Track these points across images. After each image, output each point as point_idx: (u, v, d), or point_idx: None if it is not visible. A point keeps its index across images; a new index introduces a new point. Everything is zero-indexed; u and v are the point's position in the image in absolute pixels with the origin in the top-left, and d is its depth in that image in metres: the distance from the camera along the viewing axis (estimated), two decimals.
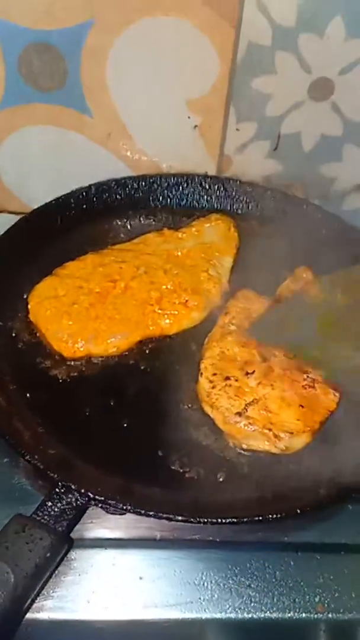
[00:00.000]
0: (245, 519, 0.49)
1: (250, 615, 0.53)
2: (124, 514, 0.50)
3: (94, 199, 0.80)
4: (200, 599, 0.53)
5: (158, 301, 0.67)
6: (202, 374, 0.60)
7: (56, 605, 0.52)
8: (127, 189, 0.82)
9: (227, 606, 0.53)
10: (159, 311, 0.67)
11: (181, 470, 0.55)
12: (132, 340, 0.65)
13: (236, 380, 0.59)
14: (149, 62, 0.72)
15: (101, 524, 0.56)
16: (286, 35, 0.71)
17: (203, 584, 0.54)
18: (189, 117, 0.77)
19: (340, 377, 0.55)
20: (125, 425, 0.58)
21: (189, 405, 0.61)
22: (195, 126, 0.78)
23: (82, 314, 0.65)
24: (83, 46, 0.70)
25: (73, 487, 0.49)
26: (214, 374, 0.59)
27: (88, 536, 0.56)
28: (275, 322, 0.59)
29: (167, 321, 0.66)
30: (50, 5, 0.67)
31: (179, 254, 0.74)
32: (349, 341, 0.55)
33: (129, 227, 0.80)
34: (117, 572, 0.54)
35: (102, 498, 0.49)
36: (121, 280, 0.69)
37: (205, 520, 0.49)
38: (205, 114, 0.77)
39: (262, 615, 0.53)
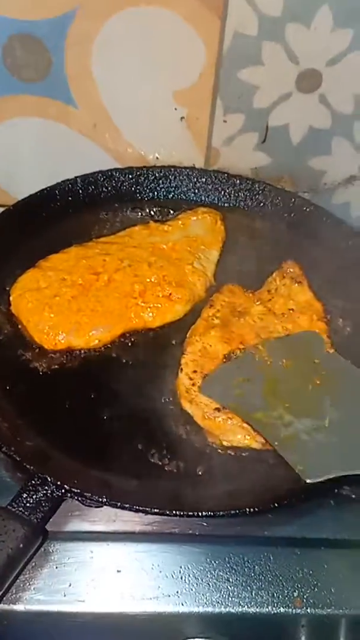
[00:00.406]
0: (222, 513, 0.49)
1: (228, 609, 0.53)
2: (101, 506, 0.50)
3: (80, 191, 0.79)
4: (178, 592, 0.53)
5: (141, 294, 0.67)
6: (182, 370, 0.60)
7: (33, 597, 0.52)
8: (113, 181, 0.81)
9: (206, 600, 0.53)
10: (142, 304, 0.66)
11: (160, 464, 0.55)
12: (115, 333, 0.65)
13: None
14: (135, 53, 0.72)
15: (80, 517, 0.56)
16: (273, 25, 0.70)
17: (181, 578, 0.54)
18: (175, 109, 0.76)
19: (276, 443, 0.53)
20: (105, 417, 0.58)
21: (170, 399, 0.60)
22: (182, 118, 0.78)
23: (64, 307, 0.65)
24: (67, 36, 0.70)
25: (49, 479, 0.49)
26: (194, 371, 0.59)
27: (66, 529, 0.55)
28: (225, 381, 0.58)
29: (150, 314, 0.66)
30: None
31: (165, 247, 0.73)
32: (289, 405, 0.55)
33: (115, 219, 0.79)
34: (94, 565, 0.54)
35: (78, 490, 0.49)
36: (104, 273, 0.68)
37: (182, 513, 0.48)
38: (192, 105, 0.76)
39: (241, 610, 0.53)
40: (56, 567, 0.53)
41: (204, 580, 0.54)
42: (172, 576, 0.54)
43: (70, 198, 0.78)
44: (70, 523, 0.56)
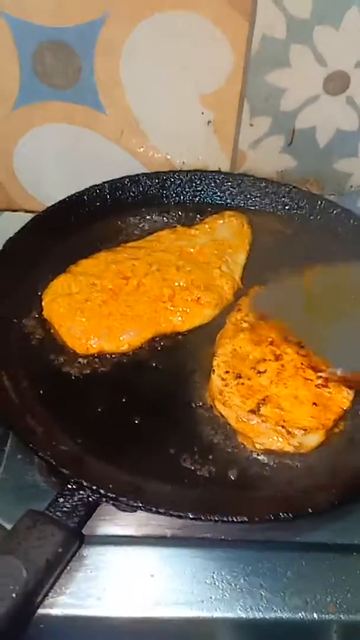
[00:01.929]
0: (257, 519, 0.49)
1: (261, 615, 0.53)
2: (135, 511, 0.50)
3: (107, 196, 0.80)
4: (211, 597, 0.52)
5: (170, 298, 0.67)
6: (214, 371, 0.60)
7: (68, 601, 0.52)
8: (140, 186, 0.82)
9: (238, 606, 0.53)
10: (171, 308, 0.66)
11: (193, 468, 0.55)
12: (145, 337, 0.65)
13: (249, 379, 0.58)
14: (163, 58, 0.72)
15: (113, 521, 0.56)
16: (301, 27, 0.70)
17: (214, 583, 0.54)
18: (202, 113, 0.77)
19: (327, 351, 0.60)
20: (137, 422, 0.58)
21: (201, 403, 0.60)
22: (209, 122, 0.78)
23: (95, 311, 0.65)
24: (96, 42, 0.70)
25: (85, 483, 0.49)
26: (226, 372, 0.59)
27: (100, 533, 0.56)
28: (273, 299, 0.65)
29: (179, 318, 0.66)
30: (63, 2, 0.68)
31: (192, 250, 0.73)
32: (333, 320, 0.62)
33: (142, 224, 0.80)
34: (128, 570, 0.54)
35: (114, 495, 0.49)
36: (134, 277, 0.69)
37: (217, 519, 0.48)
38: (218, 109, 0.77)
39: (274, 615, 0.52)
40: (90, 572, 0.54)
41: (236, 585, 0.54)
42: (205, 581, 0.54)
43: (98, 203, 0.79)
44: (103, 527, 0.56)
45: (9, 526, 0.55)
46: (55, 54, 0.71)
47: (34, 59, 0.72)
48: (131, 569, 0.54)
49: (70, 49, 0.71)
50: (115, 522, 0.57)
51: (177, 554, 0.55)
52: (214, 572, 0.54)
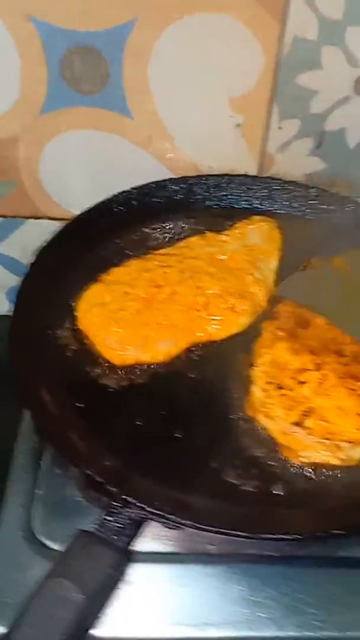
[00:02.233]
0: (308, 535, 0.48)
1: (310, 634, 0.52)
2: (182, 529, 0.50)
3: (135, 202, 0.79)
4: (259, 616, 0.52)
5: (205, 306, 0.66)
6: (254, 382, 0.59)
7: (112, 622, 0.51)
8: (166, 191, 0.80)
9: (287, 624, 0.52)
10: (207, 317, 0.65)
11: (237, 483, 0.54)
12: (181, 347, 0.64)
13: (290, 390, 0.57)
14: (191, 61, 0.70)
15: (154, 538, 0.56)
16: (333, 28, 0.68)
17: (261, 601, 0.53)
18: (231, 116, 0.75)
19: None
20: (177, 435, 0.57)
21: (240, 415, 0.59)
22: (237, 125, 0.76)
23: (130, 321, 0.64)
24: (125, 47, 0.69)
25: (133, 501, 0.48)
26: (267, 383, 0.58)
27: (142, 550, 0.55)
28: (304, 285, 0.64)
29: (215, 327, 0.65)
30: (91, 5, 0.66)
31: (223, 257, 0.72)
32: None
33: (169, 230, 0.78)
34: (172, 588, 0.53)
35: (162, 513, 0.48)
36: (167, 286, 0.68)
37: (268, 537, 0.47)
38: (247, 112, 0.75)
39: (324, 634, 0.52)
40: (136, 591, 0.53)
41: (284, 603, 0.53)
42: (252, 599, 0.53)
43: (125, 210, 0.77)
44: (144, 543, 0.55)
45: (51, 544, 0.55)
46: (83, 58, 0.70)
47: (62, 64, 0.70)
48: (175, 587, 0.54)
49: (98, 53, 0.69)
50: (157, 538, 0.56)
51: (222, 572, 0.54)
52: (260, 590, 0.54)
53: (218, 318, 0.65)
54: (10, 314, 1.02)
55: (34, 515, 0.57)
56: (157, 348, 0.63)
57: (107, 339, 0.63)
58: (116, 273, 0.69)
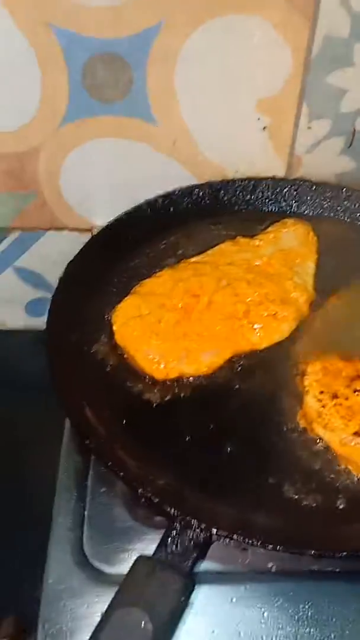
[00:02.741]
0: None
1: None
2: (247, 549, 0.48)
3: (161, 210, 0.77)
4: (331, 636, 0.50)
5: (246, 314, 0.64)
6: (308, 392, 0.56)
7: None
8: (192, 197, 0.78)
9: None
10: (248, 325, 0.63)
11: (296, 498, 0.52)
12: (223, 357, 0.62)
13: (346, 399, 0.55)
14: (219, 64, 0.69)
15: (212, 557, 0.53)
16: None
17: (331, 619, 0.50)
18: (258, 119, 0.74)
19: None
20: (229, 450, 0.55)
21: (292, 426, 0.57)
22: (265, 127, 0.75)
23: (170, 333, 0.62)
24: (149, 52, 0.67)
25: (194, 522, 0.46)
26: (321, 392, 0.56)
27: (201, 569, 0.52)
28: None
29: (258, 334, 0.63)
30: (115, 11, 0.64)
31: (259, 262, 0.70)
32: None
33: (197, 237, 0.76)
34: (236, 609, 0.51)
35: (226, 533, 0.46)
36: (204, 295, 0.65)
37: (339, 554, 0.45)
38: (276, 113, 0.73)
39: None
40: (198, 613, 0.51)
41: (356, 621, 0.51)
42: (322, 618, 0.50)
43: (152, 218, 0.75)
44: (204, 564, 0.52)
45: (104, 568, 0.53)
46: (106, 66, 0.68)
47: (84, 72, 0.69)
48: (239, 608, 0.51)
49: (122, 60, 0.68)
50: (216, 558, 0.54)
51: (286, 590, 0.52)
52: (328, 607, 0.51)
53: (260, 326, 0.63)
54: (31, 327, 1.03)
55: (84, 537, 0.54)
56: (200, 359, 0.61)
57: (147, 352, 0.60)
58: (150, 284, 0.67)
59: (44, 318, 1.01)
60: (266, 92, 0.72)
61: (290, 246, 0.72)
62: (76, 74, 0.70)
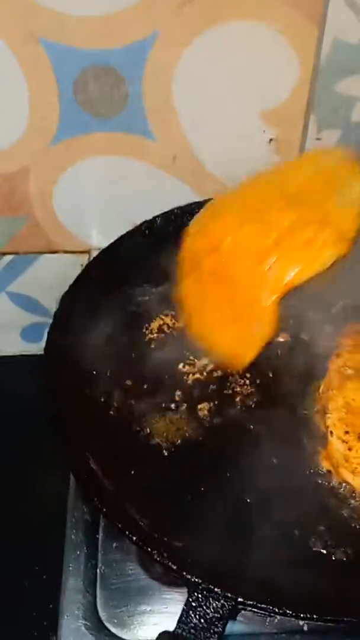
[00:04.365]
0: None
1: None
2: (274, 617, 0.44)
3: (160, 230, 0.72)
4: None
5: (277, 244, 0.51)
6: (332, 432, 0.52)
7: None
8: (193, 215, 0.75)
9: None
10: (280, 259, 0.51)
11: (325, 552, 0.48)
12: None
13: None
14: (220, 74, 0.64)
15: (238, 617, 0.50)
16: None
17: None
18: (264, 131, 0.69)
19: None
20: (248, 501, 0.50)
21: (313, 470, 0.53)
22: (271, 140, 0.70)
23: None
24: (145, 64, 0.63)
25: (219, 592, 0.42)
26: (346, 432, 0.51)
27: (227, 631, 0.48)
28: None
29: (294, 269, 0.50)
30: (108, 22, 0.59)
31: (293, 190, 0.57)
32: None
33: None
34: None
35: (253, 602, 0.42)
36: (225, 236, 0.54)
37: None
38: (281, 125, 0.68)
39: None
40: None
41: None
42: None
43: (151, 239, 0.71)
44: (232, 625, 0.49)
45: (123, 634, 0.49)
46: (99, 79, 0.63)
47: (75, 86, 0.63)
48: None
49: (116, 73, 0.62)
50: (240, 617, 0.50)
51: None
52: None
53: (295, 255, 0.51)
54: (26, 353, 0.98)
55: (97, 600, 0.50)
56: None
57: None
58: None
59: (41, 344, 0.97)
60: (272, 103, 0.67)
61: (330, 169, 0.59)
62: (67, 89, 0.64)
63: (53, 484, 0.65)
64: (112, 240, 0.69)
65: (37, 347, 0.94)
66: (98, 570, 0.51)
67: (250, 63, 0.63)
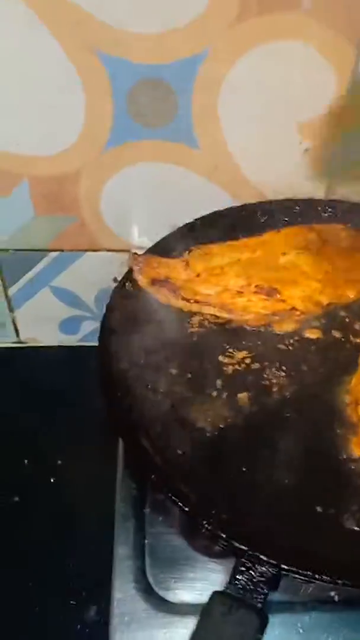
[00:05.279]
0: None
1: None
2: (314, 583, 0.48)
3: (200, 232, 0.78)
4: None
5: None
6: None
7: None
8: (230, 219, 0.79)
9: None
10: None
11: (358, 529, 0.52)
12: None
13: None
14: (262, 89, 0.69)
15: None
16: None
17: None
18: (300, 143, 0.74)
19: None
20: (286, 482, 0.55)
21: (346, 456, 0.57)
22: (306, 150, 0.75)
23: None
24: (195, 79, 0.68)
25: (265, 559, 0.47)
26: None
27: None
28: None
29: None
30: (162, 38, 0.65)
31: None
32: None
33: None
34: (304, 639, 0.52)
35: (296, 569, 0.46)
36: None
37: None
38: (317, 137, 0.74)
39: None
40: None
41: None
42: None
43: (191, 241, 0.77)
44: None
45: (171, 597, 0.53)
46: (151, 92, 0.68)
47: (129, 97, 0.69)
48: (306, 638, 0.52)
49: (167, 86, 0.68)
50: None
51: (349, 620, 0.53)
52: None
53: None
54: (64, 345, 1.03)
55: (146, 567, 0.55)
56: None
57: None
58: None
59: (78, 336, 1.02)
60: (308, 116, 0.72)
61: None
62: (121, 99, 0.69)
63: (97, 468, 0.70)
64: (152, 241, 0.75)
65: (74, 339, 0.99)
66: (146, 541, 0.56)
67: (290, 79, 0.68)
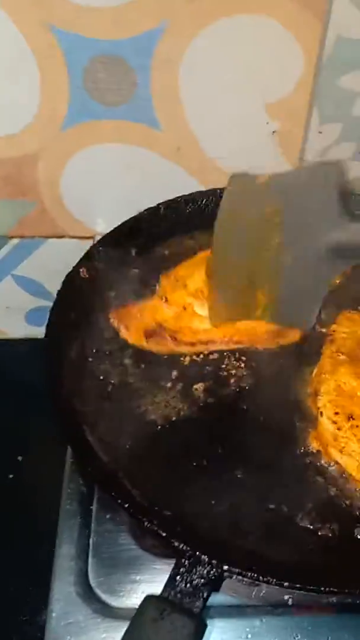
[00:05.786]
0: None
1: None
2: (259, 585, 0.45)
3: (164, 218, 0.74)
4: None
5: None
6: (322, 413, 0.53)
7: None
8: (196, 204, 0.76)
9: None
10: None
11: (312, 528, 0.49)
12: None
13: None
14: (225, 66, 0.65)
15: (225, 589, 0.49)
16: None
17: None
18: (267, 123, 0.71)
19: None
20: (239, 476, 0.52)
21: (303, 450, 0.54)
22: (274, 132, 0.72)
23: None
24: (153, 54, 0.64)
25: (204, 558, 0.44)
26: (336, 413, 0.53)
27: (214, 603, 0.49)
28: None
29: None
30: (118, 12, 0.61)
31: None
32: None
33: (201, 244, 0.74)
34: None
35: (239, 570, 0.43)
36: None
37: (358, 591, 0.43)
38: (285, 117, 0.70)
39: None
40: None
41: None
42: None
43: (154, 227, 0.73)
44: (214, 597, 0.50)
45: (110, 601, 0.50)
46: (108, 68, 0.65)
47: (85, 74, 0.66)
48: None
49: (124, 62, 0.64)
50: (227, 589, 0.51)
51: (302, 624, 0.49)
52: None
53: None
54: (30, 337, 1.00)
55: (89, 567, 0.52)
56: None
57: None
58: None
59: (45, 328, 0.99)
60: (276, 96, 0.69)
61: None
62: (77, 77, 0.66)
63: (50, 451, 0.68)
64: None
65: (41, 331, 0.95)
66: (90, 539, 0.53)
67: (256, 56, 0.65)
